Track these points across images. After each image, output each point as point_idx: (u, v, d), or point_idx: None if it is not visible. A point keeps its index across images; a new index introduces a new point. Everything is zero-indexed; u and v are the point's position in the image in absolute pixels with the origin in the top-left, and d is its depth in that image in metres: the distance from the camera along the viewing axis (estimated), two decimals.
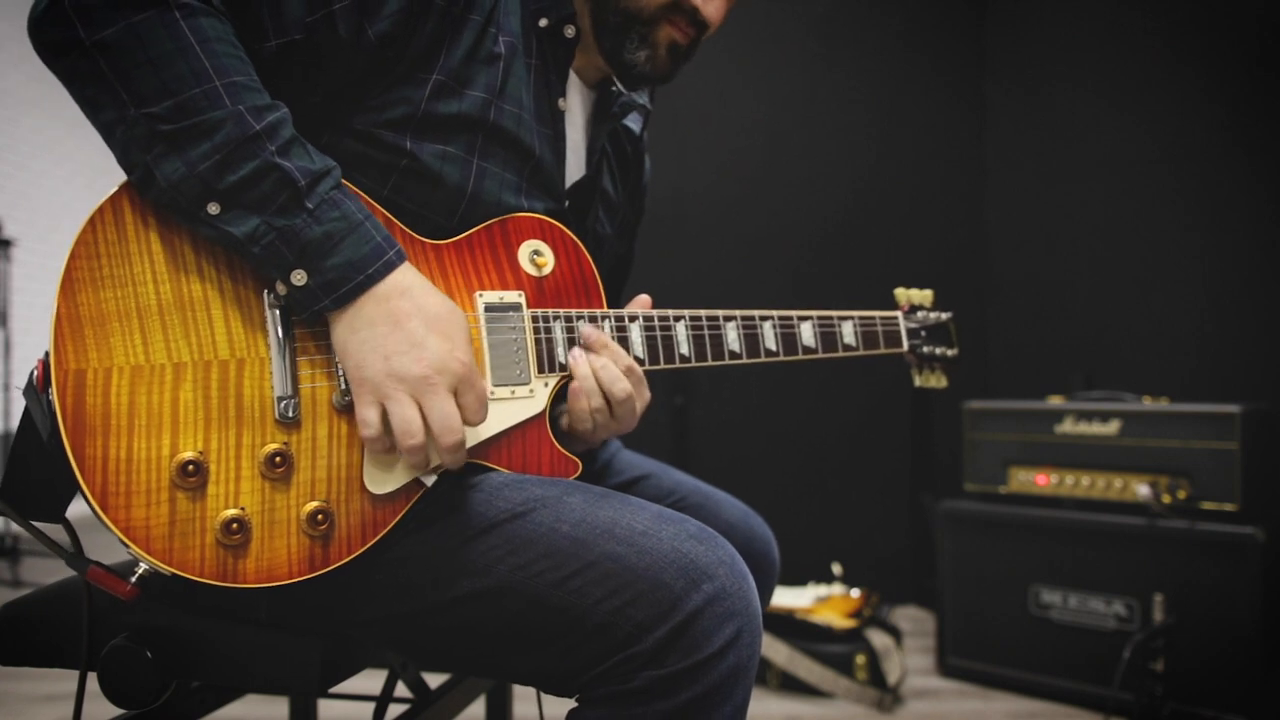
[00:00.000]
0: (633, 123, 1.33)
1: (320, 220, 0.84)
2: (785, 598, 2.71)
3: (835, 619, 2.58)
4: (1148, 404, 2.38)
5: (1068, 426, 2.46)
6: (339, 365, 0.89)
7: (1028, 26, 3.54)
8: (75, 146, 5.86)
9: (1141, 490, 2.26)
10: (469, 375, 0.88)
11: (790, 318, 1.22)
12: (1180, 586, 2.20)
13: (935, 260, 3.52)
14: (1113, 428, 2.39)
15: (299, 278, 0.84)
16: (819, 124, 3.58)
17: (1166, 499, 2.25)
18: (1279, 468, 2.33)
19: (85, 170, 5.98)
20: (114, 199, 0.85)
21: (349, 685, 1.06)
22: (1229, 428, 2.20)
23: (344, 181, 0.94)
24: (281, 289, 0.86)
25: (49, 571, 3.68)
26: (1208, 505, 2.21)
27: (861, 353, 1.30)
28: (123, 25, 0.79)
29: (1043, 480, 2.49)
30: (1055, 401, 2.55)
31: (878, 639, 2.52)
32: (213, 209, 0.83)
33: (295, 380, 0.88)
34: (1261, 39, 2.85)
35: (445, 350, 0.86)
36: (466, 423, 0.89)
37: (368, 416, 0.86)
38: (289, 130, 0.86)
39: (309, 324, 0.89)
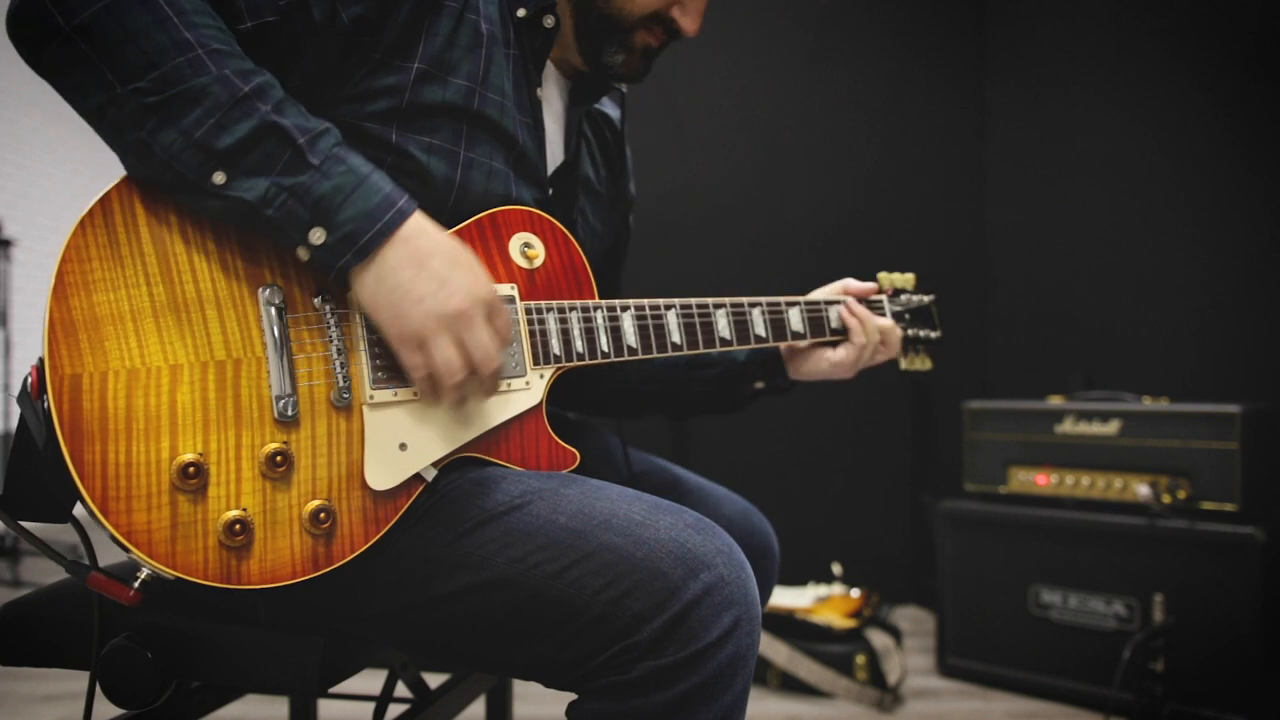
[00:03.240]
0: (610, 109, 1.34)
1: (328, 175, 0.84)
2: (785, 598, 2.71)
3: (835, 619, 2.58)
4: (1148, 404, 2.38)
5: (1068, 426, 2.46)
6: (367, 330, 0.90)
7: (1027, 27, 3.54)
8: (75, 146, 5.85)
9: (1141, 490, 2.26)
10: (496, 300, 0.91)
11: (779, 304, 1.26)
12: (1180, 586, 2.20)
13: (935, 260, 3.52)
14: (1113, 428, 2.39)
15: (318, 235, 0.84)
16: (819, 125, 3.58)
17: (1166, 499, 2.25)
18: (1279, 468, 2.33)
19: (85, 170, 5.97)
20: (104, 201, 0.84)
21: (349, 685, 1.06)
22: (1229, 428, 2.20)
23: None
24: (303, 254, 0.86)
25: (49, 572, 3.68)
26: (1208, 505, 2.21)
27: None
28: (99, 6, 0.80)
29: (1043, 480, 2.49)
30: (1055, 401, 2.55)
31: (878, 639, 2.52)
32: (219, 178, 0.82)
33: (293, 378, 0.88)
34: (1261, 39, 2.85)
35: (472, 280, 0.88)
36: (501, 345, 0.92)
37: (415, 361, 0.88)
38: (279, 91, 0.86)
39: (335, 297, 0.90)
